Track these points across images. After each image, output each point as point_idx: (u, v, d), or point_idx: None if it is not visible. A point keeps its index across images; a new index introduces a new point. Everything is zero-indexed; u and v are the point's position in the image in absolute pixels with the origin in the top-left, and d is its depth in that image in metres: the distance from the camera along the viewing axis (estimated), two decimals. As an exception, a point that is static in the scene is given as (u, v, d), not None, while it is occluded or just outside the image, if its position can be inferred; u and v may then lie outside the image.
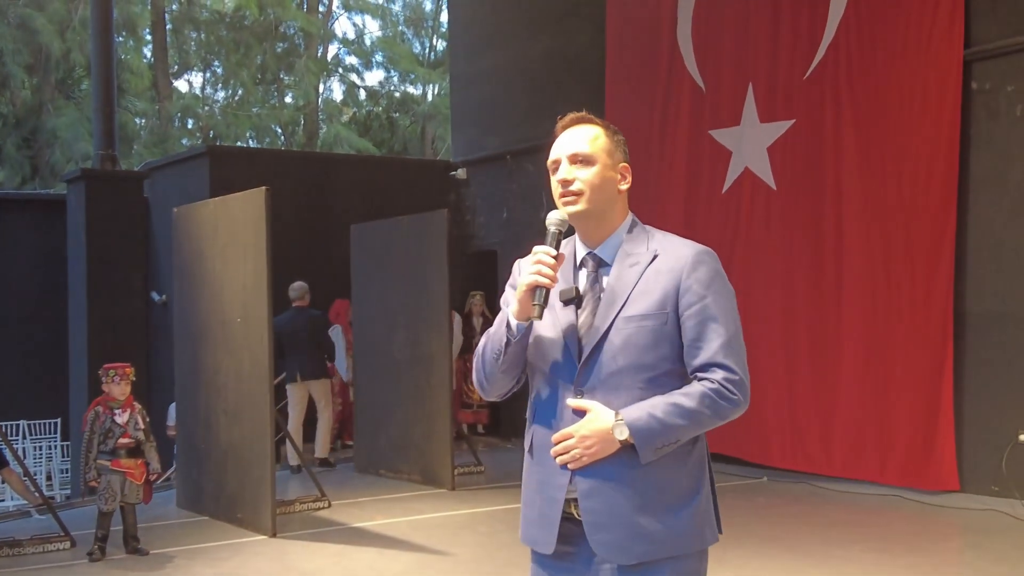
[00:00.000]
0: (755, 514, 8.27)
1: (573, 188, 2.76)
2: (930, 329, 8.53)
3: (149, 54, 31.40)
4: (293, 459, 10.49)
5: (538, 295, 2.67)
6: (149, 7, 30.43)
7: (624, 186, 2.83)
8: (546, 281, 2.67)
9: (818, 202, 9.32)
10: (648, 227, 2.86)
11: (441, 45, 33.71)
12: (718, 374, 2.65)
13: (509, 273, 2.91)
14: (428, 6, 35.55)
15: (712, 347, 2.66)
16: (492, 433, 12.67)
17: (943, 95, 8.48)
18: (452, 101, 16.02)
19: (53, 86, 28.06)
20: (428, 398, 9.74)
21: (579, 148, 2.78)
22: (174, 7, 31.84)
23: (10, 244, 15.75)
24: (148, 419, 7.51)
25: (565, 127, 2.86)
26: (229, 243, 8.43)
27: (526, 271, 2.70)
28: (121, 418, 7.29)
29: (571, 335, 2.76)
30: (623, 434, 2.62)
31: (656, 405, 2.64)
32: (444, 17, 31.56)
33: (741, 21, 10.03)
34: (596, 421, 2.66)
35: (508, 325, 2.78)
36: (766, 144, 9.70)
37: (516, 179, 13.49)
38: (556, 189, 2.80)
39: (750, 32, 9.93)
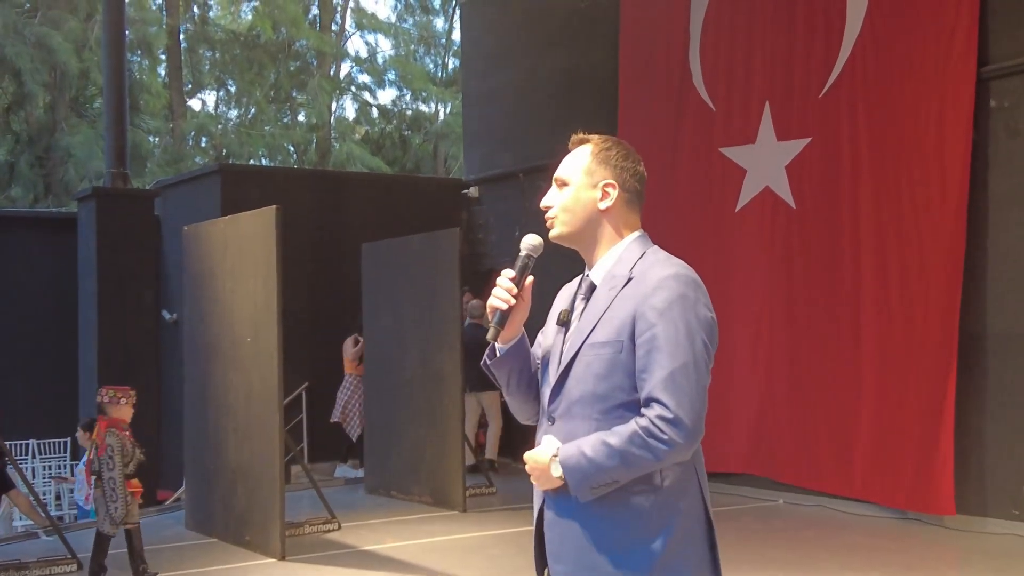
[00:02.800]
0: (773, 537, 8.14)
1: (550, 213, 2.72)
2: (936, 351, 8.40)
3: (164, 74, 31.49)
4: (469, 459, 10.70)
5: (496, 317, 2.66)
6: (164, 27, 30.53)
7: (605, 204, 2.69)
8: (500, 304, 2.64)
9: (836, 221, 9.18)
10: (650, 248, 2.71)
11: (453, 63, 33.77)
12: (653, 411, 2.45)
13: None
14: (440, 25, 35.64)
15: (652, 380, 2.47)
16: (505, 453, 12.50)
17: (957, 114, 8.37)
18: (464, 119, 15.97)
19: (67, 104, 28.12)
20: (440, 418, 9.63)
21: (559, 172, 2.75)
22: (189, 27, 31.97)
23: (22, 262, 15.69)
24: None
25: (567, 152, 2.80)
26: (239, 262, 8.35)
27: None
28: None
29: (554, 360, 2.69)
30: (557, 471, 2.55)
31: (589, 443, 2.51)
32: (456, 36, 31.62)
33: (755, 40, 9.94)
34: (539, 454, 2.61)
35: (492, 347, 2.76)
36: (784, 163, 9.59)
37: (529, 197, 13.39)
38: None
39: (765, 50, 9.83)
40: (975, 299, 8.39)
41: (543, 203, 2.74)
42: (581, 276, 2.80)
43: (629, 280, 2.60)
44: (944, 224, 8.42)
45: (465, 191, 14.77)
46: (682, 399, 2.44)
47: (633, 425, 2.46)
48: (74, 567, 7.57)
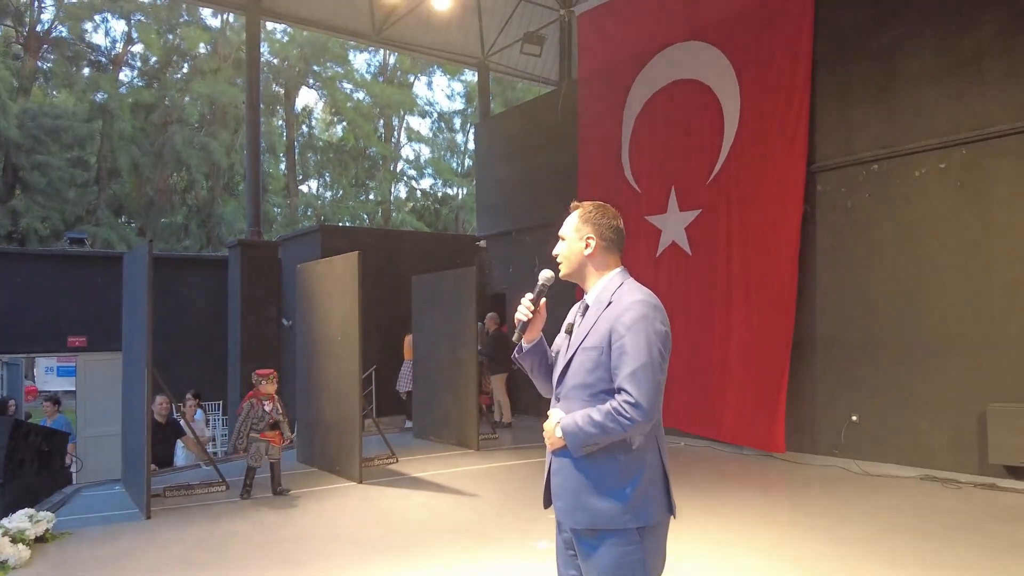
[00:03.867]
0: (679, 468, 7.92)
1: (557, 259, 2.58)
2: (777, 346, 8.25)
3: (284, 167, 31.39)
4: (504, 418, 11.16)
5: (519, 327, 2.57)
6: (284, 139, 30.47)
7: (587, 251, 2.53)
8: (522, 317, 2.54)
9: (715, 263, 9.01)
10: (627, 280, 2.52)
11: (468, 163, 33.69)
12: (620, 396, 2.31)
13: (515, 307, 2.68)
14: (460, 139, 35.59)
15: (621, 375, 2.32)
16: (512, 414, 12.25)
17: (794, 195, 8.25)
18: (477, 198, 15.79)
19: (221, 187, 27.97)
20: (461, 389, 9.39)
21: (561, 231, 2.59)
22: (300, 139, 31.91)
23: (193, 287, 15.44)
24: (285, 405, 7.22)
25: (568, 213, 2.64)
26: (333, 287, 8.12)
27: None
28: (267, 407, 7.01)
29: (561, 358, 2.53)
30: (559, 434, 2.40)
31: (580, 415, 2.35)
32: (471, 145, 31.60)
33: (665, 145, 9.81)
34: (549, 422, 2.46)
35: (520, 344, 2.62)
36: (684, 225, 9.43)
37: (517, 247, 13.25)
38: None
39: (671, 152, 9.70)
40: (807, 313, 8.24)
41: (554, 252, 2.59)
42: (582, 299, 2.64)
43: (610, 303, 2.44)
44: (784, 266, 8.28)
45: (477, 243, 14.60)
46: (641, 389, 2.29)
47: (608, 405, 2.31)
48: (224, 488, 7.30)
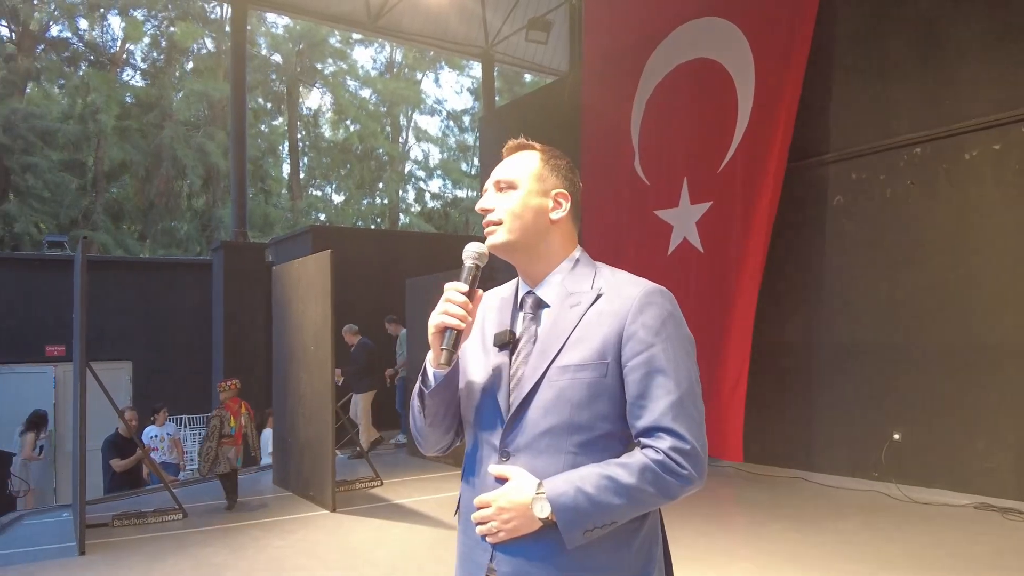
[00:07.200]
0: (704, 497, 7.11)
1: (492, 217, 1.62)
2: (738, 355, 7.67)
3: (287, 169, 30.99)
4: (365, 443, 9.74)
5: (447, 338, 1.53)
6: (287, 138, 30.08)
7: (557, 214, 1.62)
8: (454, 322, 1.52)
9: (726, 261, 8.16)
10: (598, 264, 1.64)
11: (479, 163, 33.11)
12: (664, 442, 1.43)
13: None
14: (471, 139, 34.97)
15: (658, 407, 1.44)
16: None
17: (776, 184, 7.66)
18: (480, 196, 15.19)
19: (223, 189, 27.60)
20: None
21: (503, 174, 1.64)
22: (308, 139, 31.49)
23: (180, 294, 14.89)
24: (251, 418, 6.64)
25: (504, 156, 1.70)
26: (307, 291, 7.42)
27: (435, 311, 1.54)
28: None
29: (501, 386, 1.55)
30: (544, 511, 1.43)
31: (586, 478, 1.42)
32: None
33: (676, 131, 9.02)
34: (515, 492, 1.46)
35: (424, 373, 1.60)
36: (695, 220, 8.62)
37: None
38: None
39: (684, 138, 8.90)
40: (841, 317, 7.41)
41: (481, 205, 1.64)
42: (515, 292, 1.69)
43: (598, 296, 1.54)
44: (751, 261, 7.77)
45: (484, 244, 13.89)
46: (694, 428, 1.45)
47: (643, 458, 1.43)
48: (180, 516, 6.60)
